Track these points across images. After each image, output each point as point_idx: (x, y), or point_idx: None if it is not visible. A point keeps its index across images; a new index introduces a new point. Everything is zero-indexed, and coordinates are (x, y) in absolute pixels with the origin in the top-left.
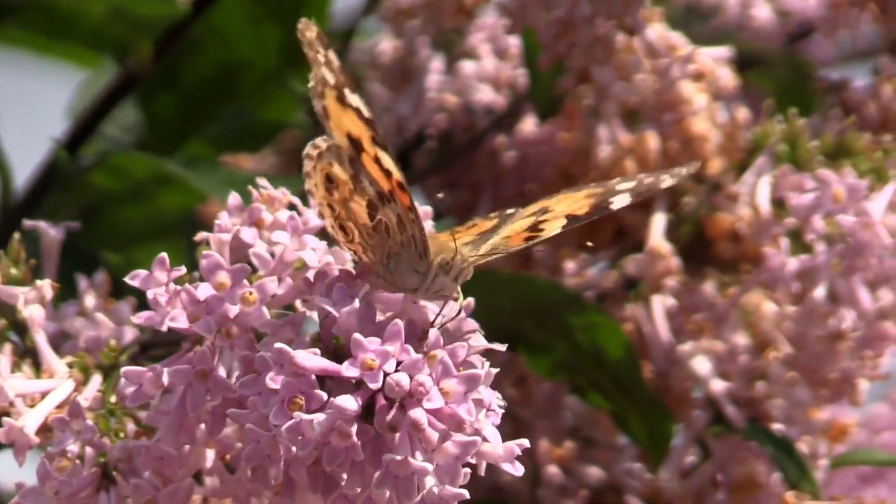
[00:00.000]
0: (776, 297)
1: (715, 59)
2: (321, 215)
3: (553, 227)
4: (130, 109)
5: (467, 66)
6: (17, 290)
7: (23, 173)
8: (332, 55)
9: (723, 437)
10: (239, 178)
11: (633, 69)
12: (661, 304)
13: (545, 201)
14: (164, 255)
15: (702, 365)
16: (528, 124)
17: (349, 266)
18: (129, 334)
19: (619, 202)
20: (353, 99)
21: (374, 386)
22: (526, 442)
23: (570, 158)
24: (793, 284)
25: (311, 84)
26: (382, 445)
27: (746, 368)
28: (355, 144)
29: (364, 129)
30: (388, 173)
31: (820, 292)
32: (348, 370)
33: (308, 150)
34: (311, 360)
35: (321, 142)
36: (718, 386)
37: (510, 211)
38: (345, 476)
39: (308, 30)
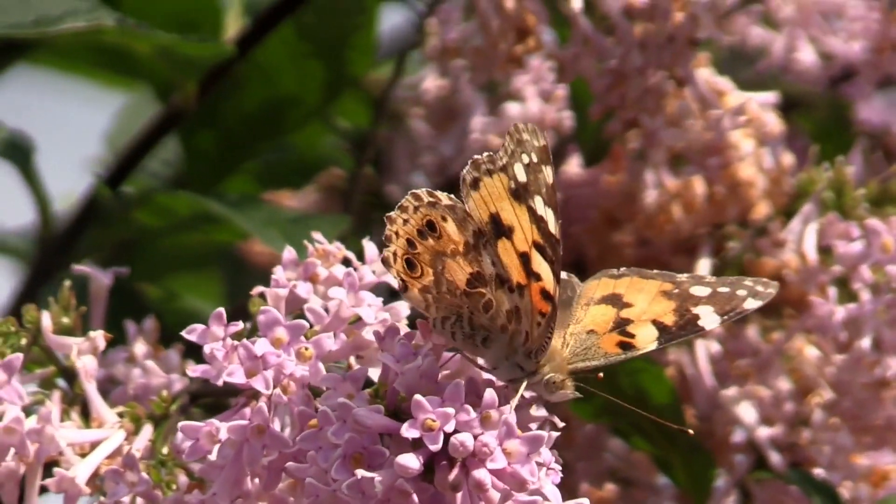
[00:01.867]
0: (819, 342)
1: (762, 104)
2: (387, 240)
3: (645, 337)
4: (170, 143)
5: (512, 108)
6: (71, 341)
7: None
8: (547, 169)
9: (764, 483)
10: (281, 216)
11: (682, 115)
12: (705, 349)
13: (611, 281)
14: (221, 310)
15: (745, 410)
16: (573, 166)
17: (403, 324)
18: (179, 384)
19: (708, 321)
20: (544, 210)
21: (433, 448)
22: (586, 501)
23: (615, 202)
24: (840, 333)
25: (478, 157)
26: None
27: (789, 413)
28: (499, 228)
29: (530, 231)
30: (534, 275)
31: (866, 342)
32: (408, 431)
33: (420, 192)
34: (373, 417)
35: (442, 195)
36: (762, 431)
37: (563, 275)
38: None
39: (530, 134)
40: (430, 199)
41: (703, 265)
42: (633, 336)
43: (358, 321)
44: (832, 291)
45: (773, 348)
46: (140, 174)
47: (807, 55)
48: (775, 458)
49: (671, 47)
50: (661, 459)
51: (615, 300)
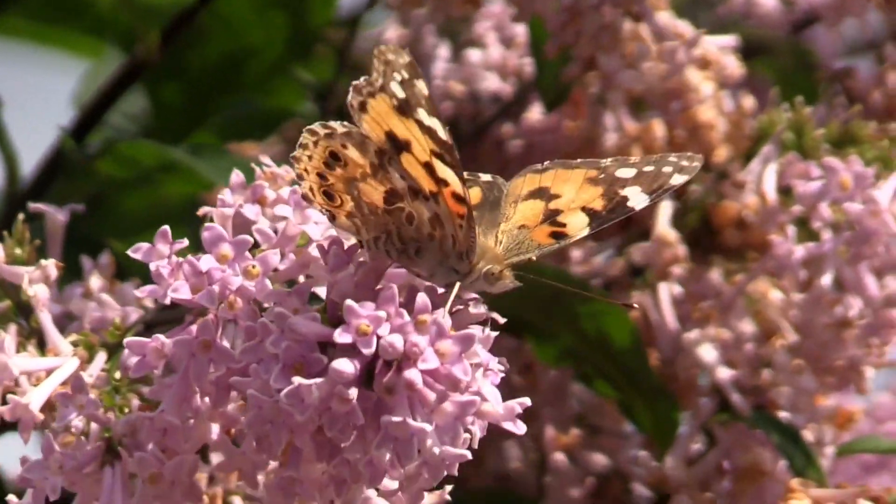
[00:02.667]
0: (782, 284)
1: (721, 47)
2: (299, 177)
3: (576, 224)
4: (136, 98)
5: (473, 55)
6: (22, 270)
7: (26, 162)
8: (418, 82)
9: (728, 425)
10: (245, 165)
11: (640, 57)
12: (667, 291)
13: (536, 176)
14: (166, 227)
15: (708, 352)
16: (535, 113)
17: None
18: (135, 315)
19: (636, 200)
20: (430, 120)
21: (366, 351)
22: (527, 401)
23: (576, 147)
24: (799, 272)
25: (358, 81)
26: (383, 410)
27: (752, 356)
28: (397, 143)
29: (425, 142)
30: (442, 181)
31: (826, 280)
32: (341, 336)
33: (315, 126)
34: (308, 325)
35: (336, 124)
36: (724, 374)
37: (487, 177)
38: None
39: (394, 54)
40: (327, 131)
41: (664, 208)
42: (564, 225)
43: (308, 242)
44: (791, 230)
45: (735, 290)
46: (106, 130)
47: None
48: (738, 399)
49: None
50: (626, 404)
51: (542, 193)
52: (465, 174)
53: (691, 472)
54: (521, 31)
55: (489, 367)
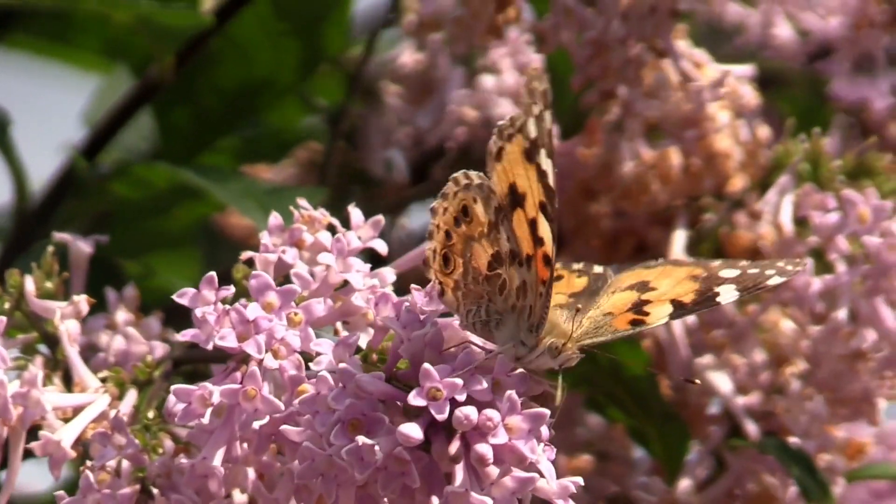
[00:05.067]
0: (795, 315)
1: (738, 77)
2: (430, 236)
3: (659, 314)
4: (144, 118)
5: (487, 80)
6: (55, 305)
7: (33, 178)
8: (547, 115)
9: (739, 451)
10: (258, 188)
11: (659, 86)
12: (680, 321)
13: (643, 271)
14: (212, 274)
15: (720, 379)
16: None
17: (389, 289)
18: (160, 349)
19: (726, 296)
20: (546, 163)
21: (440, 417)
22: (580, 480)
23: (591, 173)
24: (816, 304)
25: (502, 122)
26: (434, 473)
27: (765, 382)
28: (515, 198)
29: (538, 192)
30: (539, 241)
31: (843, 313)
32: (415, 399)
33: (458, 175)
34: (376, 384)
35: (475, 175)
36: (736, 400)
37: (598, 269)
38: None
39: (538, 81)
40: (466, 182)
41: (679, 237)
42: (647, 314)
43: (344, 287)
44: (809, 262)
45: (748, 320)
46: (117, 149)
47: (784, 30)
48: (750, 426)
49: (652, 18)
50: (637, 430)
51: (642, 286)
52: (579, 265)
53: (702, 497)
54: (535, 57)
55: (546, 441)
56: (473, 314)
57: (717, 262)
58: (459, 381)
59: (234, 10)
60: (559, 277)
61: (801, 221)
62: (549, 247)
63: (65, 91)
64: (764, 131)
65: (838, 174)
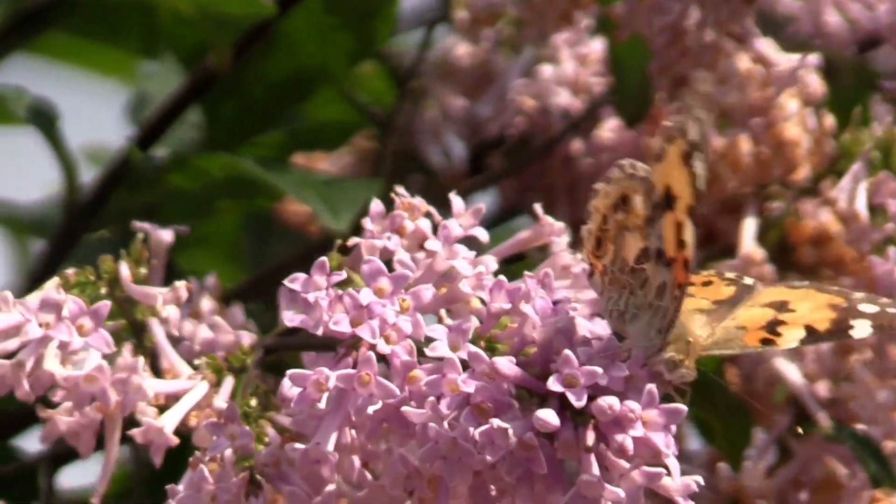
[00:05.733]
0: None
1: (805, 65)
2: (587, 216)
3: (791, 337)
4: (191, 109)
5: (546, 70)
6: (156, 291)
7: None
8: (707, 118)
9: (804, 438)
10: (314, 178)
11: (729, 74)
12: None
13: (786, 290)
14: (324, 259)
15: (788, 367)
16: (606, 130)
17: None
18: (247, 338)
19: (860, 331)
20: (700, 167)
21: (578, 404)
22: (700, 479)
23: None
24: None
25: (671, 123)
26: (554, 462)
27: (831, 369)
28: (668, 199)
29: (688, 196)
30: (681, 244)
31: None
32: (554, 384)
33: (625, 163)
34: (513, 368)
35: (641, 166)
36: (804, 386)
37: (748, 281)
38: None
39: (704, 84)
40: (631, 171)
41: (749, 225)
42: (779, 335)
43: (447, 274)
44: (892, 251)
45: None
46: (169, 140)
47: (833, 18)
48: (821, 414)
49: (728, 4)
50: (700, 420)
51: (780, 306)
52: (732, 274)
53: (768, 484)
54: (595, 47)
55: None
56: (614, 302)
57: (859, 295)
58: (599, 370)
59: None
60: (709, 283)
61: (873, 209)
62: (689, 250)
63: (87, 96)
64: (829, 120)
65: None
